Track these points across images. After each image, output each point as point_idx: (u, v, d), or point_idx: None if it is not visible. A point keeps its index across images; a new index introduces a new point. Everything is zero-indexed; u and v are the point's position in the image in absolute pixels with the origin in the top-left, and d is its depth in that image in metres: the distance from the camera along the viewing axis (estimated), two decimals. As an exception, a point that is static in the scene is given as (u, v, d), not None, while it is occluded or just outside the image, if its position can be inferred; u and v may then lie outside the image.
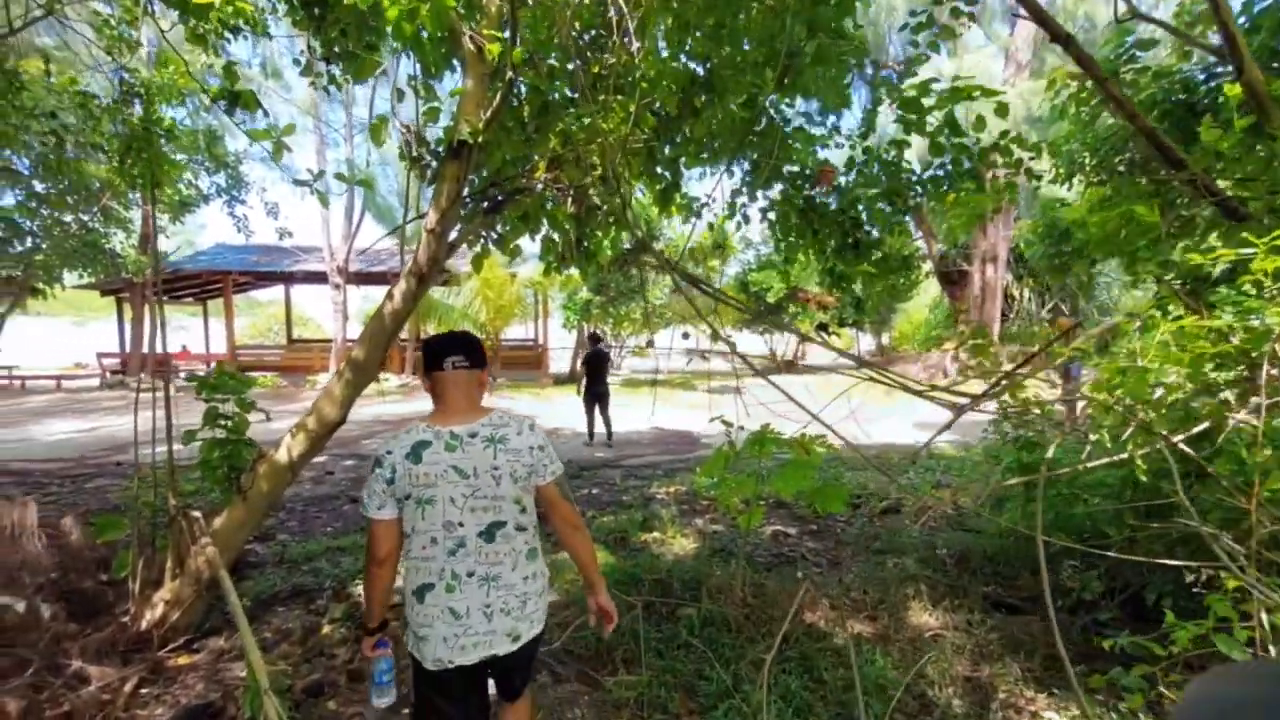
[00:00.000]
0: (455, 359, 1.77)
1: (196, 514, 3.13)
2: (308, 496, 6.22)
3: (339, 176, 4.39)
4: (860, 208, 4.51)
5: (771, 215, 5.00)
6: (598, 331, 9.54)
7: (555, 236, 5.69)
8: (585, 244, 6.01)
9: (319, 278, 17.14)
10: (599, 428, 9.06)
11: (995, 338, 19.78)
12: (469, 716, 1.82)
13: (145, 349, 16.23)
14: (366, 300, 41.21)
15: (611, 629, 1.97)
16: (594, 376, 9.02)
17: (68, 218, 14.72)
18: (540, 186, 3.39)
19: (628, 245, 6.33)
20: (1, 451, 8.34)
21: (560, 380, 18.40)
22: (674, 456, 8.26)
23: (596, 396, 8.98)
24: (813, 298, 19.78)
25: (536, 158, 3.38)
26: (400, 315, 3.31)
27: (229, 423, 3.27)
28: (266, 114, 4.02)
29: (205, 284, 19.98)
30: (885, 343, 30.55)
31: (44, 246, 13.98)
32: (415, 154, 3.42)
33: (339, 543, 4.70)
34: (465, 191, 3.32)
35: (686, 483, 6.61)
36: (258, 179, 16.93)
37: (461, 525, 1.68)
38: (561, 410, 12.45)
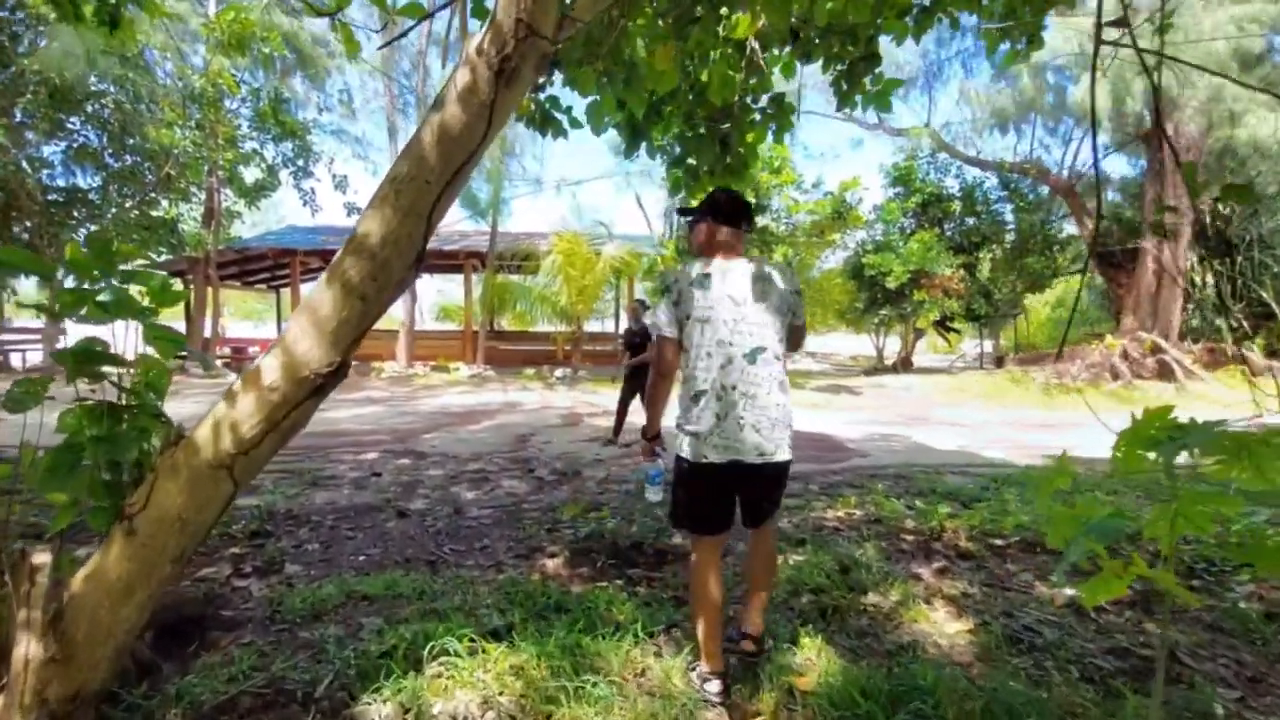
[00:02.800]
0: (736, 220, 2.15)
1: (41, 559, 1.52)
2: (343, 506, 4.69)
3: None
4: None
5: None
6: (645, 299, 7.42)
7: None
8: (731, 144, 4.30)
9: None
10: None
11: (1173, 330, 16.64)
12: (715, 513, 2.12)
13: (206, 333, 15.66)
14: (441, 295, 41.02)
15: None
16: (641, 360, 7.05)
17: (133, 196, 14.35)
18: None
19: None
20: None
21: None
22: (823, 466, 6.32)
23: (635, 390, 7.08)
24: (940, 282, 17.23)
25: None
26: (455, 141, 1.59)
27: (128, 386, 1.66)
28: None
29: (274, 267, 19.55)
30: (1002, 341, 27.13)
31: (109, 225, 13.56)
32: None
33: (368, 586, 3.07)
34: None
35: (866, 505, 4.68)
36: (327, 151, 16.05)
37: (731, 344, 2.00)
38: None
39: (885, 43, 3.59)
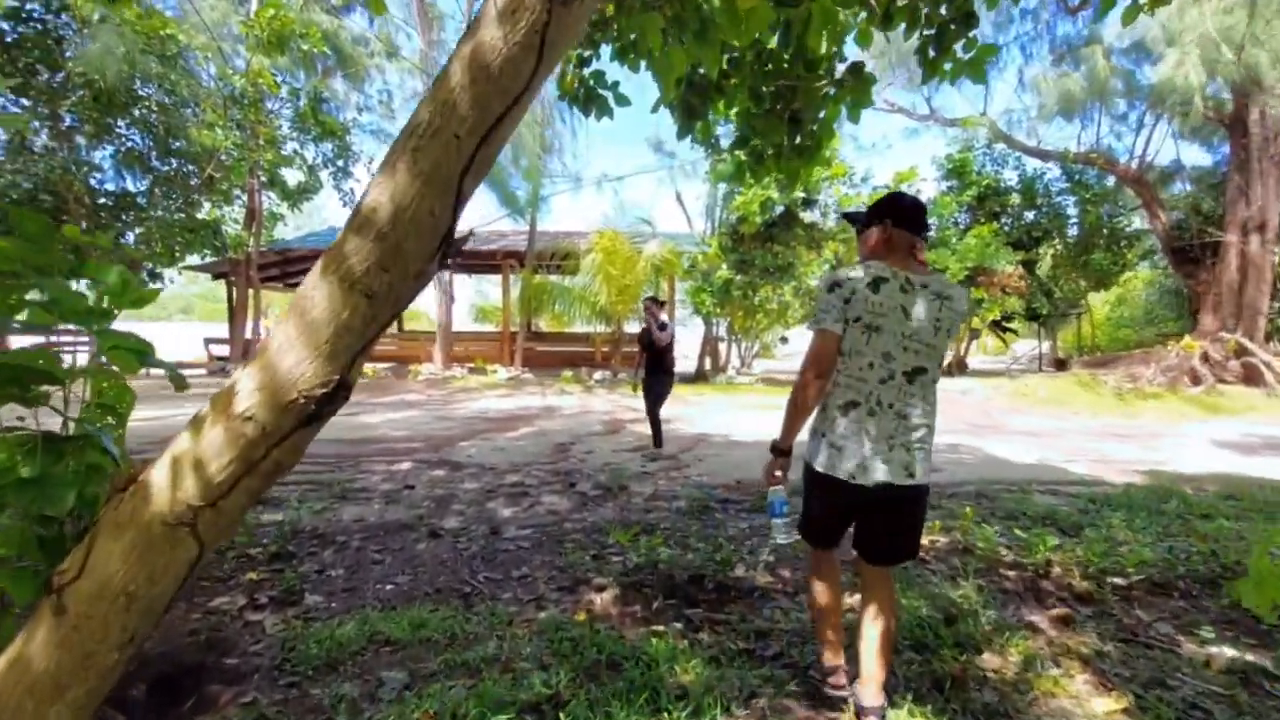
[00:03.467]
0: (918, 225, 1.99)
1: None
2: (372, 524, 4.36)
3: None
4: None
5: None
6: (658, 296, 7.07)
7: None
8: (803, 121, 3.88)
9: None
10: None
11: (1259, 330, 15.42)
12: (842, 530, 2.08)
13: (248, 334, 15.77)
14: (480, 295, 41.09)
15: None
16: (657, 362, 6.75)
17: (177, 199, 14.48)
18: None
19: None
20: None
21: (686, 379, 16.26)
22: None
23: (661, 395, 6.80)
24: (1000, 280, 16.34)
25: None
26: (494, 81, 1.16)
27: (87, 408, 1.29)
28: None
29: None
30: (1059, 342, 25.69)
31: (153, 228, 13.69)
32: None
33: (392, 627, 2.69)
34: None
35: (952, 532, 4.15)
36: (366, 152, 16.04)
37: (896, 360, 1.88)
38: (696, 412, 10.22)
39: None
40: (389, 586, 3.33)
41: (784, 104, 3.56)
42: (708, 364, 17.94)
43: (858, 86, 3.47)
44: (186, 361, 16.60)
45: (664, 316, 6.63)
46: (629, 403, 11.41)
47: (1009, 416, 10.59)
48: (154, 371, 1.52)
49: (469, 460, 6.20)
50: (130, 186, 15.05)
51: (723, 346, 18.78)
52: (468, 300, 43.29)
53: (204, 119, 12.98)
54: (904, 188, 13.09)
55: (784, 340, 24.34)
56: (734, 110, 3.81)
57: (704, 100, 3.62)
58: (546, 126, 14.22)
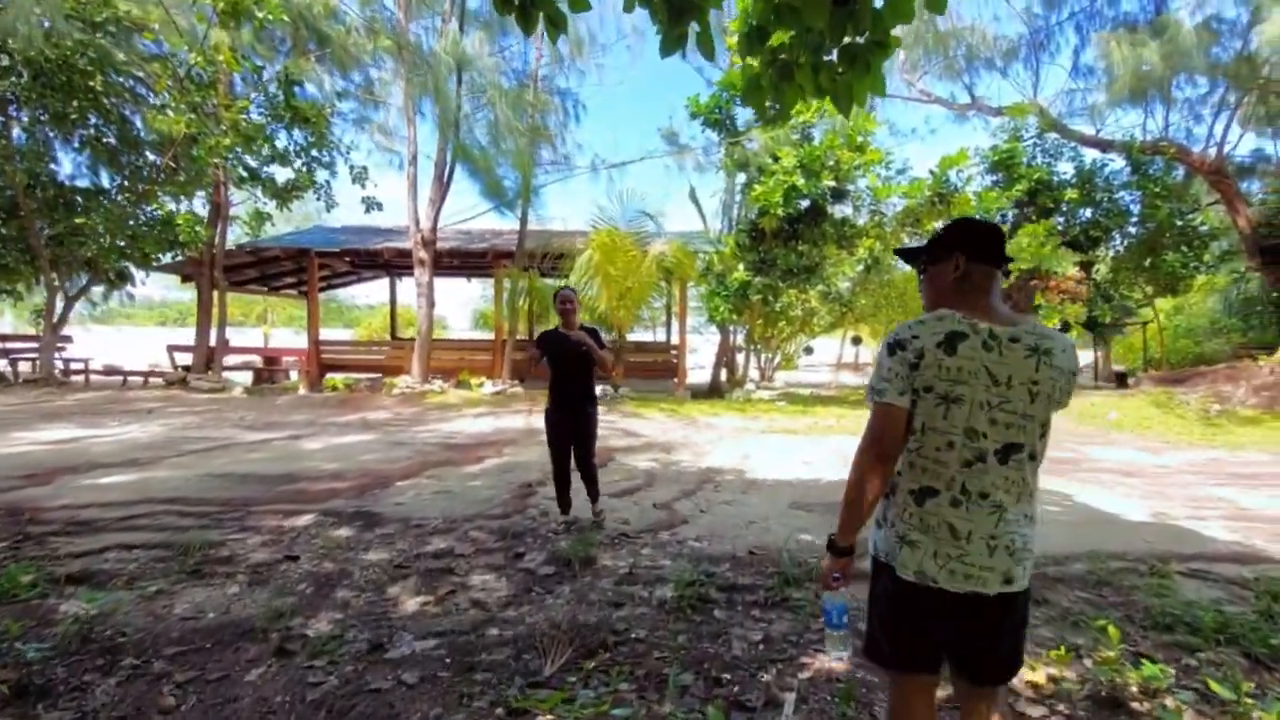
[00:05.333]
0: (996, 256, 1.62)
1: None
2: (206, 627, 3.03)
3: None
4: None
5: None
6: (568, 292, 4.59)
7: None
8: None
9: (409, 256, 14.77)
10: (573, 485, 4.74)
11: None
12: (930, 645, 1.62)
13: (212, 341, 14.63)
14: (485, 300, 39.68)
15: None
16: (566, 375, 4.55)
17: (132, 190, 13.39)
18: None
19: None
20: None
21: (700, 393, 14.82)
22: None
23: (572, 421, 4.56)
24: (1058, 284, 14.73)
25: None
26: None
27: None
28: None
29: (299, 270, 18.59)
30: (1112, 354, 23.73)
31: (102, 222, 12.60)
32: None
33: None
34: None
35: (1083, 659, 2.70)
36: (346, 140, 14.87)
37: (985, 437, 1.52)
38: (706, 438, 8.78)
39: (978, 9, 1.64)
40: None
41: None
42: (724, 376, 16.49)
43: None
44: (154, 371, 15.52)
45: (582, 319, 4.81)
46: (628, 424, 10.01)
47: (1086, 446, 9.02)
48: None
49: (394, 512, 4.82)
50: (95, 178, 14.12)
51: (740, 357, 17.32)
52: (472, 305, 42.11)
53: (158, 101, 11.88)
54: (952, 174, 11.63)
55: (809, 350, 22.77)
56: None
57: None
58: (541, 110, 12.94)
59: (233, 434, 8.22)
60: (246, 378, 16.31)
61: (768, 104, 2.68)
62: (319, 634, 2.95)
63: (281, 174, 15.74)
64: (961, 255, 1.60)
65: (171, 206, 12.96)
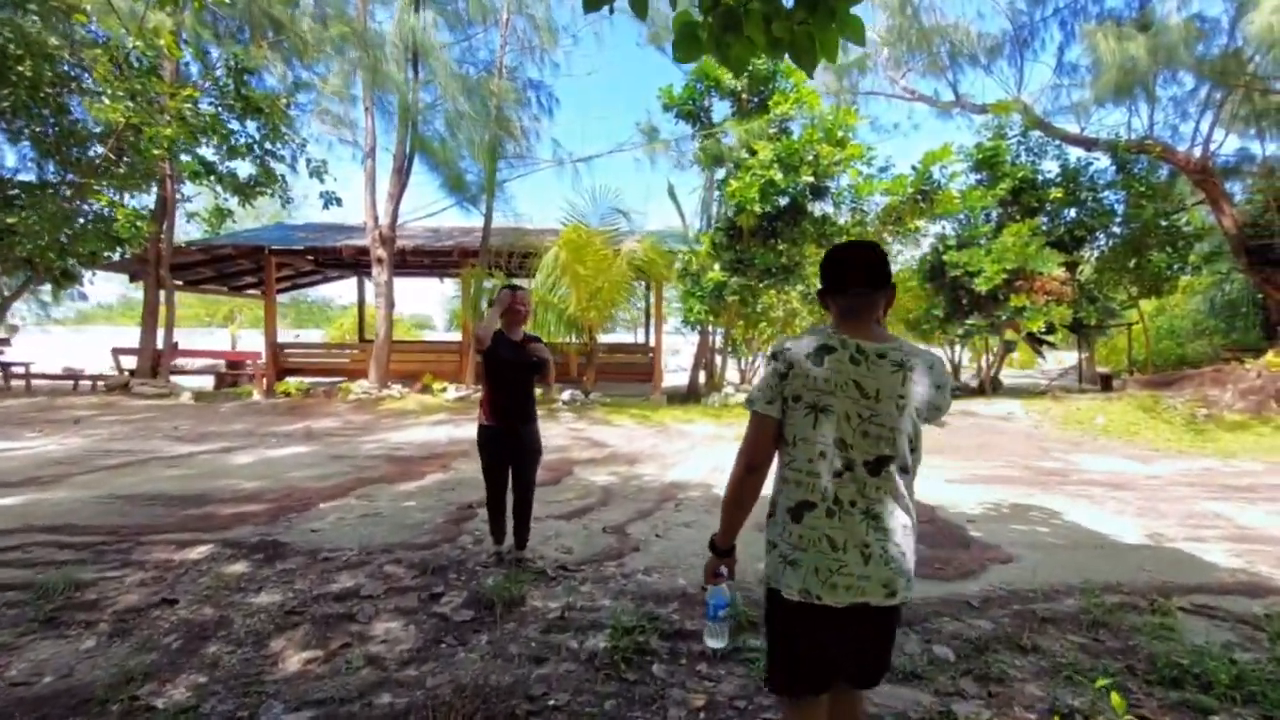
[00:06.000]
0: (850, 280, 1.66)
1: None
2: (34, 696, 2.53)
3: None
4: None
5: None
6: (523, 293, 4.03)
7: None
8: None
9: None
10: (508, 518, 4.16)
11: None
12: (824, 667, 1.65)
13: (159, 343, 13.95)
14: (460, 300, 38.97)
15: None
16: (508, 388, 3.94)
17: (70, 184, 12.68)
18: None
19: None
20: None
21: (677, 397, 14.37)
22: (946, 590, 3.88)
23: (513, 441, 3.95)
24: (1043, 285, 14.45)
25: None
26: None
27: None
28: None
29: (258, 269, 17.93)
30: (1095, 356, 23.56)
31: (33, 219, 11.89)
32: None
33: None
34: None
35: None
36: (307, 133, 14.24)
37: (854, 448, 1.57)
38: (676, 447, 8.33)
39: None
40: None
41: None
42: (702, 379, 16.07)
43: None
44: (100, 376, 14.79)
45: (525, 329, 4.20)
46: (594, 432, 9.53)
47: (1073, 455, 8.68)
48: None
49: (305, 541, 4.32)
50: (41, 172, 13.38)
51: (720, 359, 16.92)
52: (452, 305, 41.31)
53: (96, 89, 11.22)
54: (936, 170, 11.28)
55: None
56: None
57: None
58: (505, 101, 12.39)
59: (158, 447, 7.64)
60: (208, 382, 15.65)
61: (710, 62, 2.23)
62: (170, 704, 2.47)
63: (245, 169, 15.13)
64: (828, 297, 1.69)
65: (126, 201, 12.22)
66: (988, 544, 4.56)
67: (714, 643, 1.88)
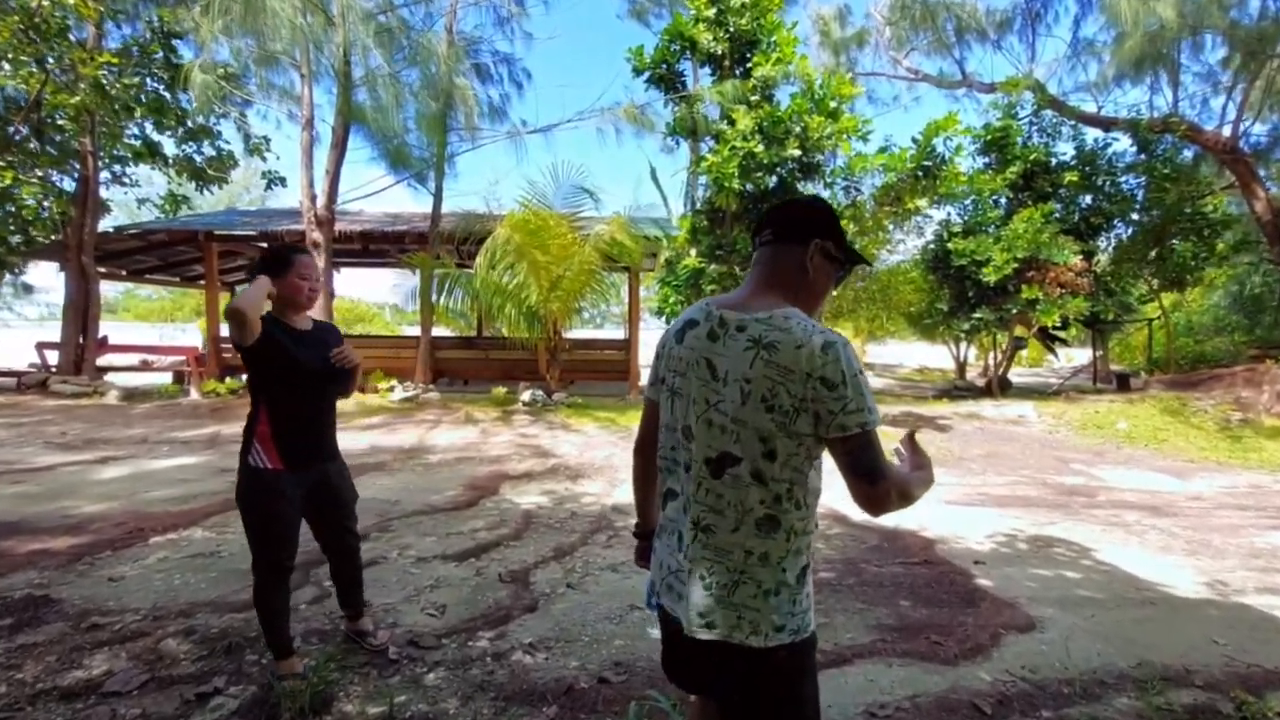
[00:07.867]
0: (761, 231, 1.37)
1: None
2: None
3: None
4: None
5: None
6: (307, 258, 2.53)
7: None
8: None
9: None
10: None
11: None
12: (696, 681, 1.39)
13: (81, 337, 12.93)
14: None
15: None
16: (301, 405, 2.50)
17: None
18: None
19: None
20: None
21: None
22: (940, 674, 2.88)
23: (314, 489, 2.57)
24: (1057, 275, 13.46)
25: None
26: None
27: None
28: None
29: (195, 259, 16.92)
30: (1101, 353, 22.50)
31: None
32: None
33: None
34: None
35: None
36: (248, 109, 13.23)
37: (695, 439, 1.28)
38: (625, 460, 7.33)
39: None
40: None
41: None
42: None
43: None
44: (19, 371, 13.75)
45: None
46: (547, 439, 8.52)
47: (1097, 467, 7.68)
48: None
49: (91, 595, 3.30)
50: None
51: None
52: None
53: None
54: (939, 142, 10.27)
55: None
56: None
57: None
58: (459, 66, 11.31)
59: (23, 456, 6.63)
60: (165, 379, 14.60)
61: None
62: None
63: (171, 147, 14.12)
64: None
65: (11, 175, 11.12)
66: (1001, 599, 3.56)
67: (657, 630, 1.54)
